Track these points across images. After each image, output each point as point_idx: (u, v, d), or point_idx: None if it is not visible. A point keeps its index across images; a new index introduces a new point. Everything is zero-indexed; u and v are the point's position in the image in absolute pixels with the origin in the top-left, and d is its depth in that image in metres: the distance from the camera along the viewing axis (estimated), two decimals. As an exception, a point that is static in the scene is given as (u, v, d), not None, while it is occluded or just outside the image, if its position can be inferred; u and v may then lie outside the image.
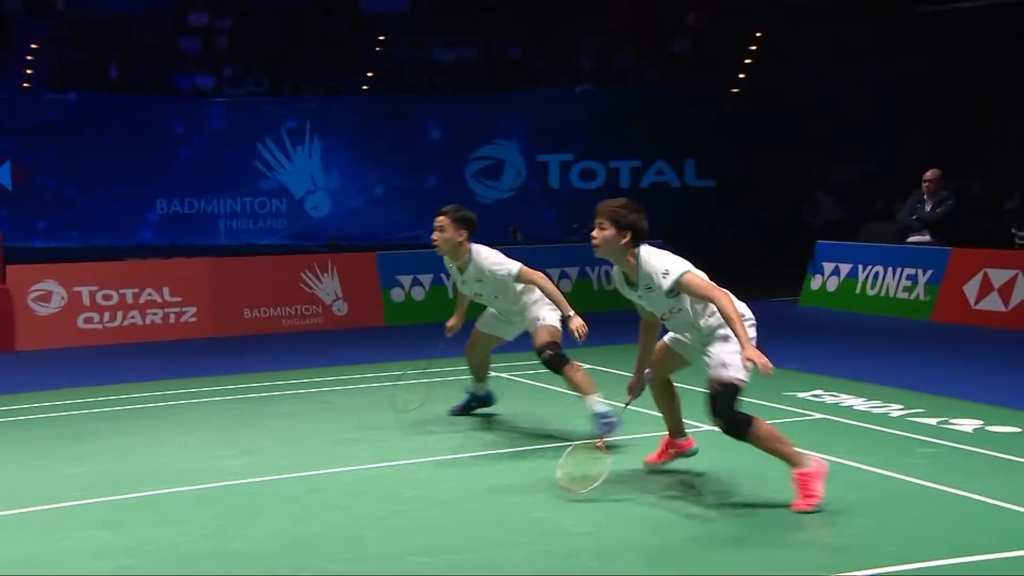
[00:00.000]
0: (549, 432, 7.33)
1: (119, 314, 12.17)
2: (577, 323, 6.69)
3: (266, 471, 6.45)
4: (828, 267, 14.53)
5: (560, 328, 7.08)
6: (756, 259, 19.12)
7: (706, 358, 5.53)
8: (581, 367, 7.04)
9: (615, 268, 5.75)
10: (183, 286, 12.53)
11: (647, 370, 5.94)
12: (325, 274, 13.13)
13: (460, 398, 7.91)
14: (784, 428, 7.22)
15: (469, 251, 7.14)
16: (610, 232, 5.48)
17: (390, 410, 7.81)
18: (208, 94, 22.86)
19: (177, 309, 12.42)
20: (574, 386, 6.95)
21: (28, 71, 22.96)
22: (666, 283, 5.42)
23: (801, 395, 8.39)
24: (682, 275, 5.40)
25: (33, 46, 22.90)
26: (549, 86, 23.40)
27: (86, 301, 12.06)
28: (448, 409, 7.87)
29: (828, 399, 8.27)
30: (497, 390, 8.00)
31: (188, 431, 7.63)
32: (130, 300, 12.25)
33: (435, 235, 7.13)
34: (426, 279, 13.37)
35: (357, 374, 9.75)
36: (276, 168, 22.61)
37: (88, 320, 12.04)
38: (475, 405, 7.86)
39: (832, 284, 14.44)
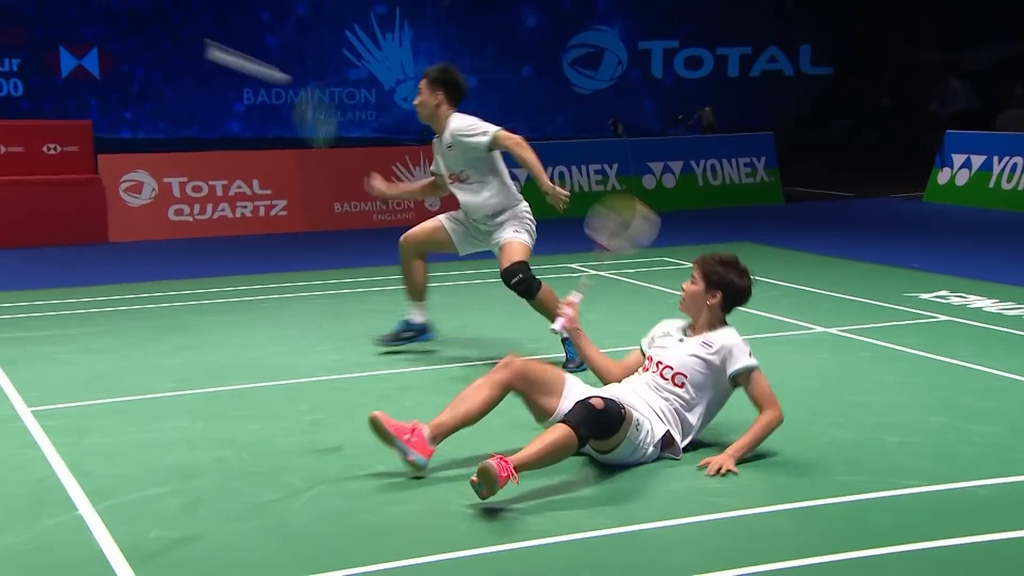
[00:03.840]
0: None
1: (209, 206, 12.38)
2: (558, 194, 5.99)
3: (358, 368, 6.54)
4: (958, 159, 14.01)
5: (530, 247, 6.34)
6: (875, 153, 18.54)
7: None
8: (550, 290, 6.23)
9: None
10: (272, 179, 12.67)
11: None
12: (417, 168, 13.11)
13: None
14: (905, 331, 7.09)
15: (448, 118, 6.42)
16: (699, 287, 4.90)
17: (483, 312, 7.78)
18: (293, -22, 22.82)
19: (267, 202, 12.59)
20: (545, 311, 6.12)
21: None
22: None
23: (924, 296, 8.18)
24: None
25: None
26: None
27: (176, 192, 12.28)
28: (377, 338, 6.86)
29: (954, 300, 8.04)
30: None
31: (280, 326, 7.77)
32: (220, 192, 12.44)
33: (415, 100, 6.62)
34: (521, 173, 13.25)
35: (453, 270, 9.75)
36: (365, 57, 22.55)
37: (179, 212, 12.27)
38: (408, 336, 6.79)
39: (962, 178, 13.94)
